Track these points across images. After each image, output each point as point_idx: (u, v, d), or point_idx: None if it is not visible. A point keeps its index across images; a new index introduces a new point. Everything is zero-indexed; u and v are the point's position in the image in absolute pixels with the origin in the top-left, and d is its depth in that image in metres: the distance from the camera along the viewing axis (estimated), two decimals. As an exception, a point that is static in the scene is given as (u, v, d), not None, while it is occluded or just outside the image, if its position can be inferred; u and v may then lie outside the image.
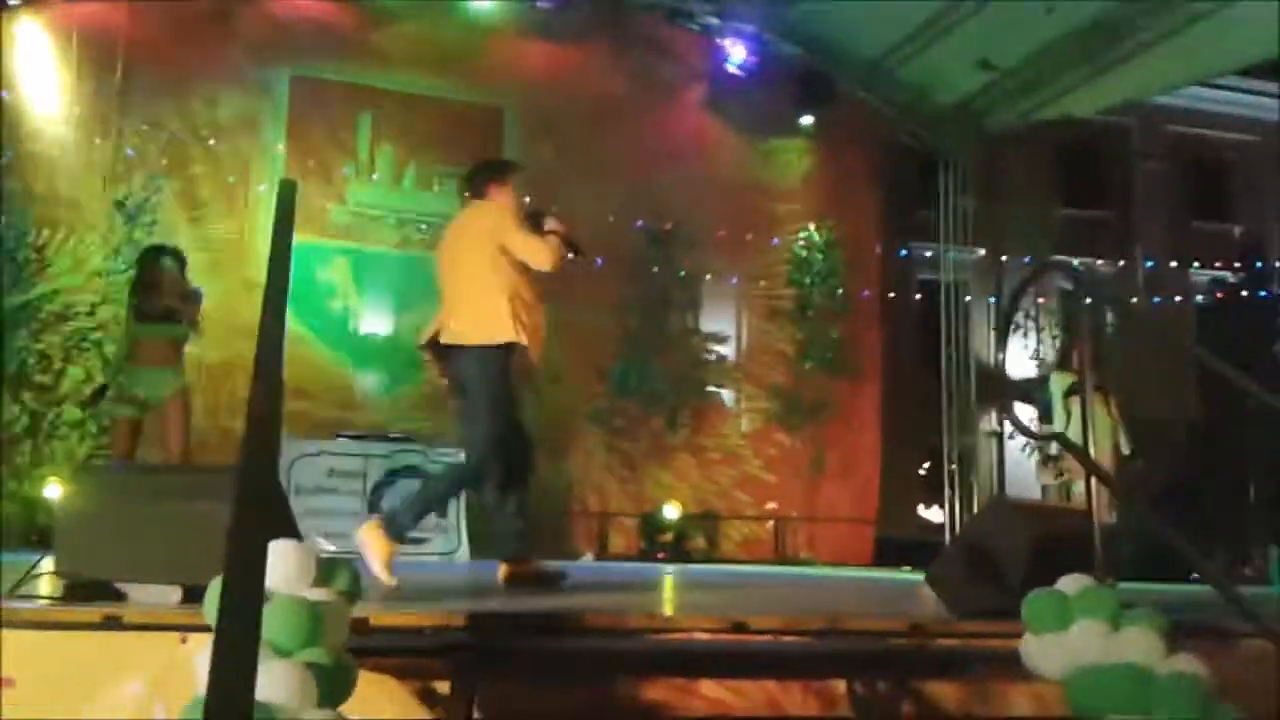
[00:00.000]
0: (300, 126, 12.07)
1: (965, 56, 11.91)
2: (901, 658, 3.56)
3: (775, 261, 13.94)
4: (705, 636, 3.58)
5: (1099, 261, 21.89)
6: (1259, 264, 19.94)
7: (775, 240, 13.92)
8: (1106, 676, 3.12)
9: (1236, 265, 20.26)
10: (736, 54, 13.24)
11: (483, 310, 4.86)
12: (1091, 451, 8.03)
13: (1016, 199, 20.86)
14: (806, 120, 13.55)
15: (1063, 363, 8.50)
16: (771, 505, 13.25)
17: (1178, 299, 21.02)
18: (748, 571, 9.58)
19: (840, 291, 13.96)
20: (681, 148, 13.18)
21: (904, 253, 16.29)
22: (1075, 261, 20.59)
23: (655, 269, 13.22)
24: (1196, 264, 20.74)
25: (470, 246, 4.97)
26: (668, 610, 4.37)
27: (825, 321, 13.80)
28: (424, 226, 12.13)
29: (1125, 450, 8.25)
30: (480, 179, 5.26)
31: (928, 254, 15.79)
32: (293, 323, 10.61)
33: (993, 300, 18.35)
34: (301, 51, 12.03)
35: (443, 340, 4.97)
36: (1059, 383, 8.40)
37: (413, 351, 6.09)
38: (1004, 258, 18.12)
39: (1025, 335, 19.35)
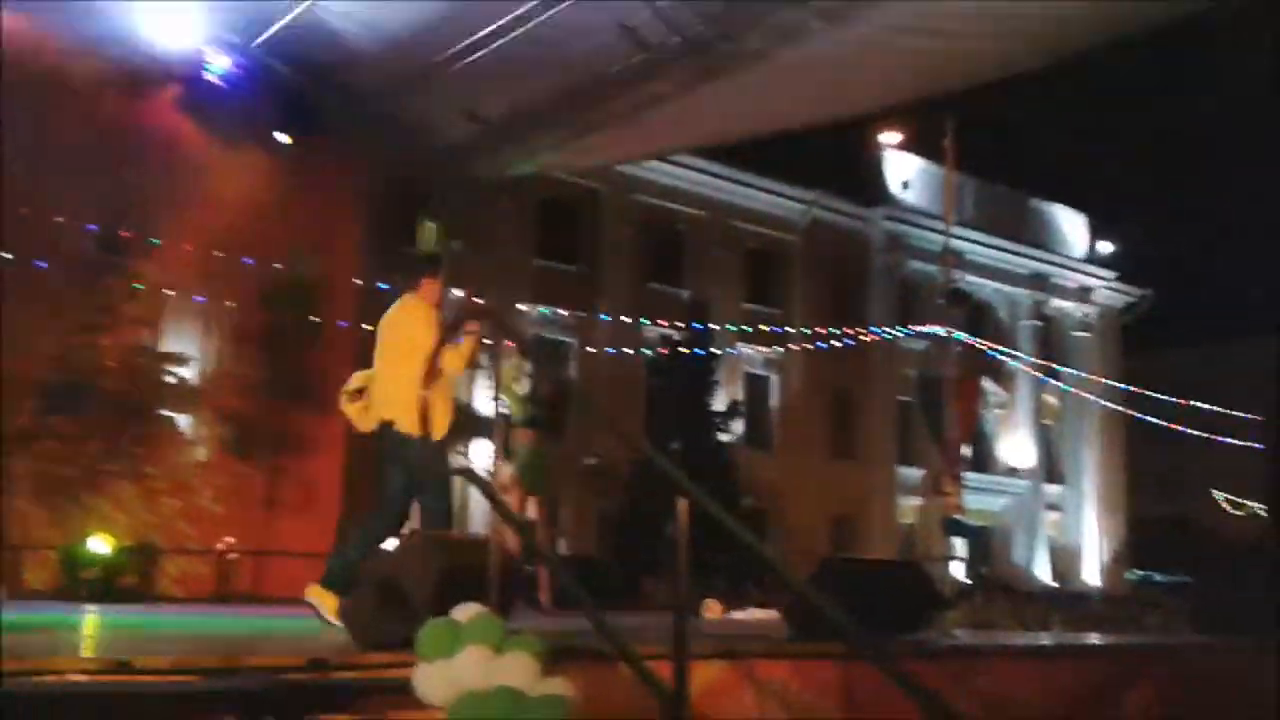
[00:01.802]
0: None
1: (453, 105, 12.27)
2: (298, 694, 3.52)
3: (248, 283, 13.37)
4: (83, 678, 3.32)
5: (564, 312, 23.53)
6: (699, 325, 22.42)
7: (249, 261, 13.36)
8: (483, 701, 3.30)
9: (680, 325, 22.62)
10: (219, 62, 12.62)
11: (401, 394, 5.61)
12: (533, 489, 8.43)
13: (494, 246, 21.87)
14: (288, 142, 13.20)
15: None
16: (230, 540, 12.60)
17: (630, 351, 23.09)
18: (172, 611, 8.99)
19: (315, 321, 13.69)
20: (151, 150, 12.25)
21: (385, 287, 16.35)
22: (527, 309, 21.96)
23: (107, 278, 12.16)
24: (645, 321, 22.90)
25: (395, 338, 5.74)
26: (62, 652, 3.98)
27: (296, 350, 13.45)
28: None
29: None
30: (416, 272, 6.01)
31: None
32: None
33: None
34: None
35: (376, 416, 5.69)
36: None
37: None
38: (482, 300, 18.82)
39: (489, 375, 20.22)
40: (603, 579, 10.08)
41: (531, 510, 8.91)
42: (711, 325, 23.40)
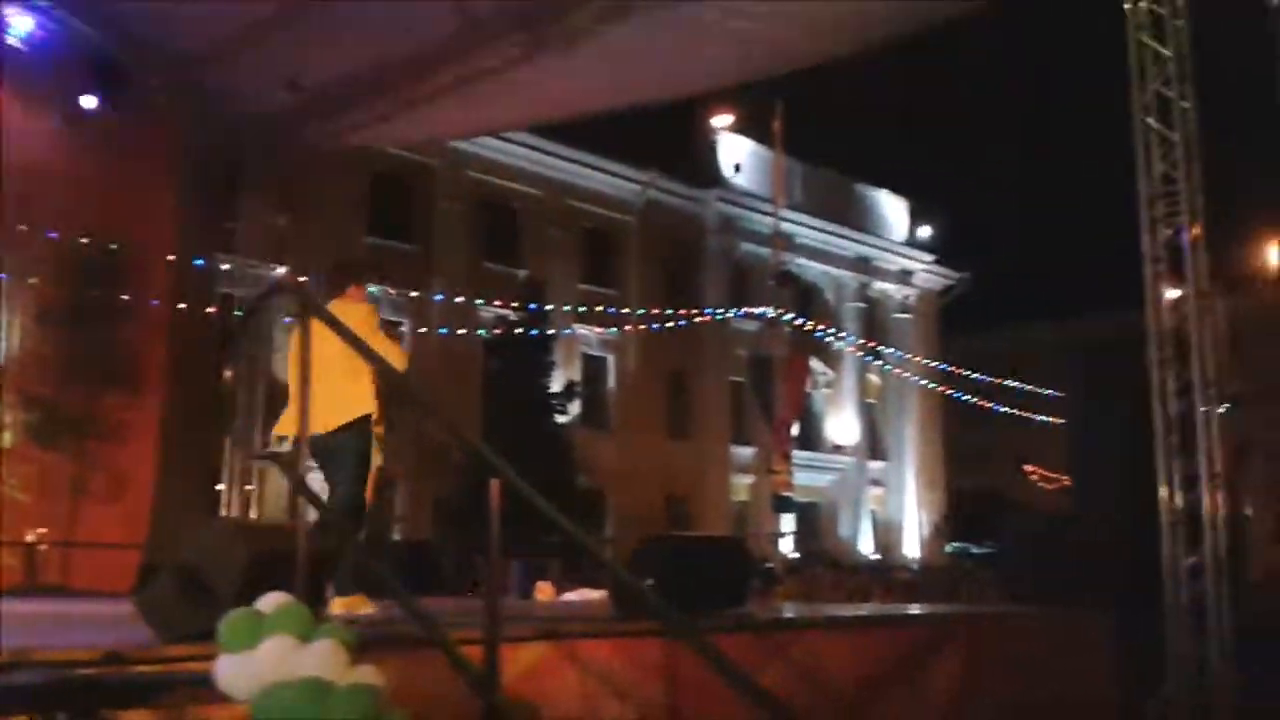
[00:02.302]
0: None
1: (273, 72, 11.80)
2: (92, 688, 3.33)
3: (50, 258, 12.59)
4: None
5: (393, 291, 23.04)
6: (535, 306, 22.31)
7: (52, 234, 12.58)
8: (288, 692, 3.17)
9: (515, 305, 22.46)
10: (21, 23, 11.83)
11: (354, 395, 5.95)
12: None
13: (324, 221, 21.23)
14: (95, 108, 12.47)
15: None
16: (42, 530, 11.89)
17: (463, 331, 22.81)
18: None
19: (124, 298, 13.00)
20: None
21: (200, 263, 15.67)
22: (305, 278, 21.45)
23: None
24: (481, 301, 22.63)
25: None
26: None
27: (103, 329, 12.74)
28: None
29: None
30: (343, 279, 6.25)
31: (228, 267, 15.35)
32: None
33: (288, 320, 18.38)
34: None
35: (317, 430, 5.44)
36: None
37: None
38: (305, 277, 18.26)
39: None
40: (435, 564, 9.93)
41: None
42: (548, 305, 23.31)
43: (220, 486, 12.44)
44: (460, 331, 23.00)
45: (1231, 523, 9.93)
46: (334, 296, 6.13)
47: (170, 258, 13.67)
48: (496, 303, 22.68)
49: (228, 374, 12.59)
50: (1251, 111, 11.95)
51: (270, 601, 3.44)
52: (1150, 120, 8.97)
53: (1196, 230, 8.85)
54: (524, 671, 4.37)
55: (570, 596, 10.05)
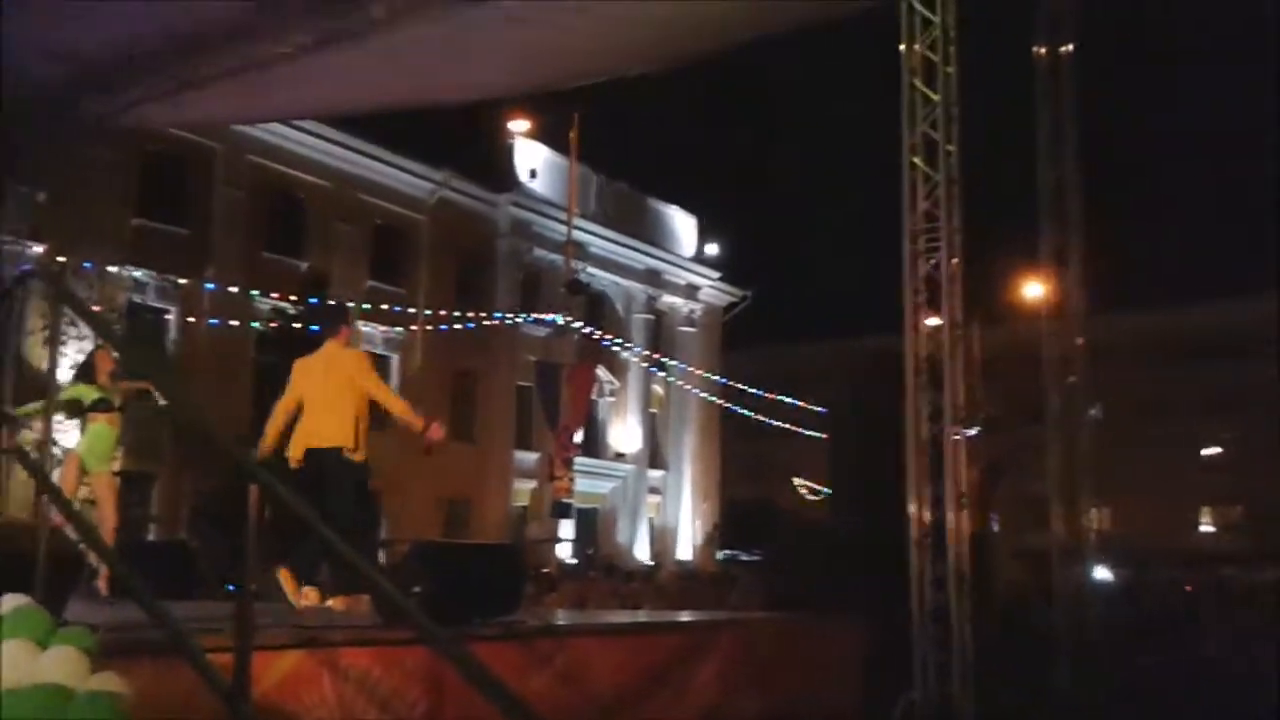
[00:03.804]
0: None
1: (36, 43, 11.02)
2: None
3: None
4: None
5: (166, 278, 21.94)
6: (315, 300, 21.63)
7: None
8: (23, 699, 3.01)
9: (294, 299, 21.73)
10: None
11: (344, 425, 6.92)
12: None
13: (88, 199, 19.93)
14: None
15: (83, 375, 8.20)
16: None
17: (236, 323, 21.89)
18: None
19: None
20: None
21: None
22: (118, 270, 20.32)
23: None
24: (257, 292, 21.81)
25: (339, 382, 7.01)
26: None
27: None
28: None
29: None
30: (335, 320, 7.46)
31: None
32: None
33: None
34: None
35: (310, 445, 6.90)
36: (82, 394, 8.07)
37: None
38: (63, 258, 17.10)
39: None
40: (191, 566, 9.45)
41: (102, 490, 8.20)
42: (330, 300, 22.63)
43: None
44: (233, 323, 22.06)
45: (978, 538, 10.68)
46: (328, 338, 7.19)
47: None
48: (274, 294, 21.87)
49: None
50: (1014, 157, 12.89)
51: (8, 603, 3.26)
52: (916, 159, 9.54)
53: (954, 264, 9.46)
54: (279, 679, 4.26)
55: (332, 602, 9.79)
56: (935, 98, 9.51)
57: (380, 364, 28.14)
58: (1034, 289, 16.95)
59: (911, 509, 9.02)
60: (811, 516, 30.12)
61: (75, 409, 7.99)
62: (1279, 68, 33.10)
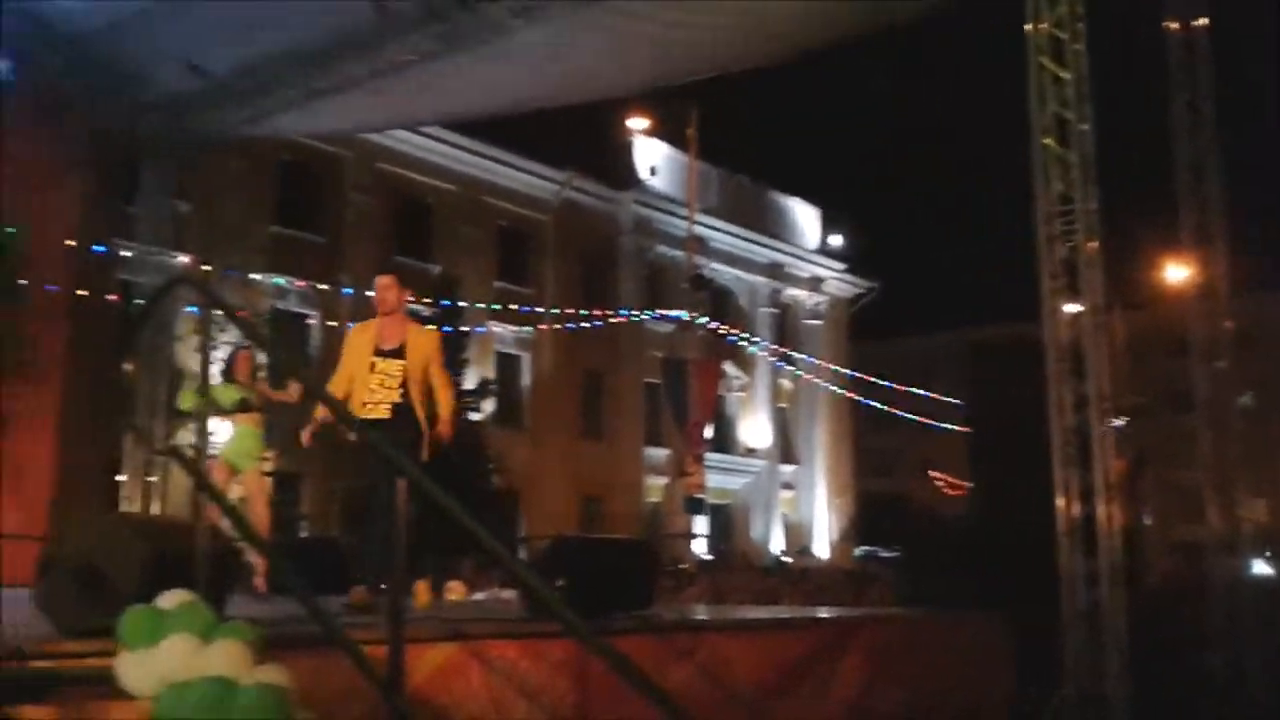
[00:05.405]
0: None
1: (172, 55, 11.48)
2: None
3: (-59, 241, 12.11)
4: None
5: (304, 284, 22.64)
6: (448, 302, 22.11)
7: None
8: (191, 691, 3.12)
9: (428, 301, 22.22)
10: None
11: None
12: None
13: (228, 209, 20.75)
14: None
15: (223, 375, 8.50)
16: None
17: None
18: None
19: (22, 284, 12.56)
20: None
21: (102, 249, 15.22)
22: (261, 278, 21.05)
23: None
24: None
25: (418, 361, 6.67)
26: None
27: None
28: None
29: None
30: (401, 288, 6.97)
31: (129, 254, 14.90)
32: None
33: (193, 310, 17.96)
34: None
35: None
36: (225, 396, 8.36)
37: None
38: (209, 266, 17.84)
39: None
40: (342, 562, 9.72)
41: (253, 489, 8.49)
42: (461, 302, 23.10)
43: (122, 478, 12.09)
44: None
45: (1129, 532, 10.27)
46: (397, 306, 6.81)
47: (70, 243, 13.30)
48: (411, 297, 22.37)
49: (128, 365, 12.25)
50: (1148, 136, 12.36)
51: (171, 599, 3.38)
52: (1048, 140, 9.21)
53: (1092, 247, 9.10)
54: (431, 672, 4.34)
55: (480, 596, 9.97)
56: (1066, 75, 9.16)
57: (512, 363, 28.61)
58: (1176, 271, 16.23)
59: (1059, 502, 8.71)
60: (952, 510, 29.46)
61: (215, 409, 8.26)
62: None
